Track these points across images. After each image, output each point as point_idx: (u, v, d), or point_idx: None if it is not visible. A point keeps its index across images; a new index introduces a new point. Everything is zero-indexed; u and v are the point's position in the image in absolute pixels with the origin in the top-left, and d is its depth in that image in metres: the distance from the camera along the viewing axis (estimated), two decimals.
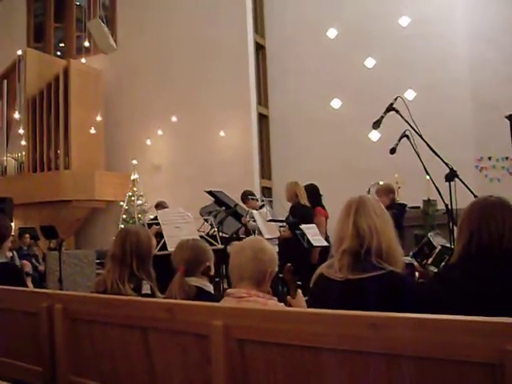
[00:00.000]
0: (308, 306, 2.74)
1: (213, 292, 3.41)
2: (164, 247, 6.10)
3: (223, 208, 7.63)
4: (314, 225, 7.23)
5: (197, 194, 9.11)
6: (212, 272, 3.40)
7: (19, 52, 15.27)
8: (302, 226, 7.04)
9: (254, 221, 7.55)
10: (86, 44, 13.46)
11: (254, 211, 7.67)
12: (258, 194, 11.73)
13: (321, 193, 7.90)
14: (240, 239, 6.36)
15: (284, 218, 7.49)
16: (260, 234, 7.23)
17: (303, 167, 12.69)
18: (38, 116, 15.27)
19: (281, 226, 7.56)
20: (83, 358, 2.72)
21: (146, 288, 3.33)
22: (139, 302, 2.55)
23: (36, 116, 15.28)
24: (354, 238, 2.55)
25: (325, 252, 7.11)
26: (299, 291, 2.95)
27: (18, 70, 15.22)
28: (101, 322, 2.61)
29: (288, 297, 2.95)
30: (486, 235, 2.38)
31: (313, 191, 7.80)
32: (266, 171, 14.25)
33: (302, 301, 2.89)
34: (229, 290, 2.77)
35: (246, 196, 8.41)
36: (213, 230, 7.19)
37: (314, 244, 6.96)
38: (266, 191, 13.97)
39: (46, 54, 16.56)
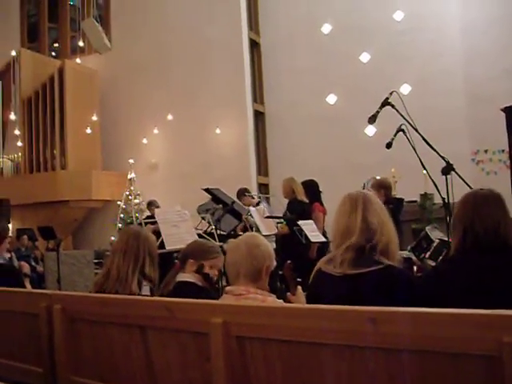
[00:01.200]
0: (307, 302, 2.74)
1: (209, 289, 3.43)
2: (161, 246, 6.03)
3: (220, 205, 7.62)
4: (311, 221, 7.20)
5: (194, 192, 9.04)
6: (207, 270, 3.41)
7: (13, 53, 15.22)
8: (300, 222, 6.99)
9: (252, 217, 7.54)
10: (81, 44, 13.47)
11: (252, 208, 7.64)
12: (254, 191, 11.83)
13: (320, 189, 7.88)
14: (237, 236, 6.40)
15: (281, 215, 7.48)
16: (258, 230, 7.20)
17: (300, 163, 12.61)
18: (34, 116, 15.23)
19: (278, 223, 7.57)
20: (83, 357, 2.70)
21: (144, 290, 3.35)
22: (138, 301, 2.54)
23: (32, 117, 15.24)
24: (363, 232, 2.53)
25: (323, 248, 7.10)
26: (299, 288, 2.94)
27: (12, 71, 15.17)
28: (100, 322, 2.58)
29: (288, 293, 2.94)
30: (480, 229, 2.37)
31: (311, 187, 7.77)
32: (262, 168, 14.23)
33: (301, 297, 2.88)
34: (227, 288, 2.76)
35: (242, 193, 8.39)
36: (210, 227, 7.14)
37: (312, 240, 6.91)
38: (263, 188, 13.96)
39: (41, 54, 16.50)
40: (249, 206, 7.97)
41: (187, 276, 3.41)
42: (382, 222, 2.55)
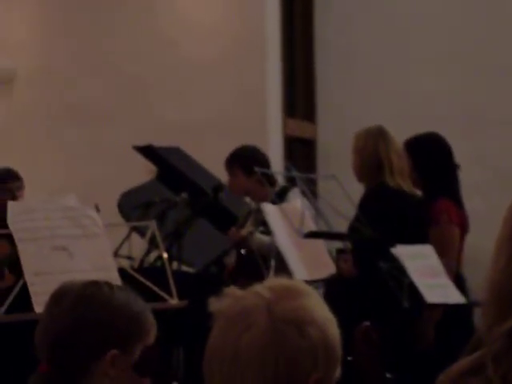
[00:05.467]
0: None
1: None
2: (22, 301, 4.76)
3: (183, 195, 6.67)
4: (428, 246, 6.04)
5: (114, 154, 8.56)
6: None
7: None
8: (398, 250, 5.87)
9: (267, 232, 6.31)
10: None
11: (268, 205, 6.28)
12: (277, 161, 9.49)
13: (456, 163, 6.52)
14: (231, 282, 5.93)
15: (348, 226, 6.26)
16: (280, 268, 5.97)
17: (393, 94, 10.54)
18: None
19: (340, 251, 6.37)
20: None
21: None
22: None
23: None
24: None
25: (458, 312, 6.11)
26: None
27: None
28: None
29: None
30: None
31: (434, 157, 6.43)
32: (298, 99, 11.44)
33: None
34: None
35: (245, 165, 7.01)
36: (154, 254, 6.56)
37: (429, 299, 5.75)
38: (299, 151, 11.33)
39: None
40: (259, 199, 6.78)
41: None
42: None
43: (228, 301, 2.07)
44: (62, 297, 2.85)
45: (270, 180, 6.99)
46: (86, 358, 2.72)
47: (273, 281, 2.18)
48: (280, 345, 1.93)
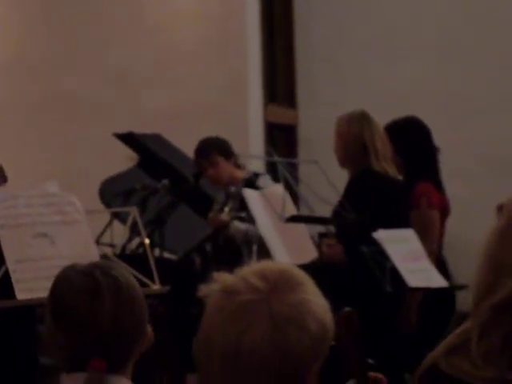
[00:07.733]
0: None
1: None
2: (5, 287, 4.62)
3: (164, 181, 6.59)
4: (410, 230, 5.97)
5: (95, 141, 8.53)
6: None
7: None
8: (379, 234, 5.79)
9: (246, 218, 6.35)
10: None
11: (249, 190, 6.15)
12: (258, 147, 9.64)
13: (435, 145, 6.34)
14: (213, 268, 6.16)
15: (332, 211, 6.12)
16: (261, 252, 6.01)
17: (375, 80, 10.52)
18: None
19: (322, 235, 6.08)
20: None
21: None
22: None
23: None
24: None
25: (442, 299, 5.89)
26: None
27: None
28: None
29: None
30: None
31: (416, 138, 6.38)
32: (279, 85, 11.43)
33: None
34: None
35: (220, 151, 6.94)
36: (136, 241, 6.53)
37: (411, 283, 5.67)
38: (280, 136, 11.28)
39: None
40: (232, 182, 6.83)
41: None
42: None
43: (219, 289, 2.03)
44: (96, 288, 2.69)
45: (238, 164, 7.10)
46: (136, 342, 2.72)
47: (262, 266, 2.09)
48: (283, 344, 1.90)
